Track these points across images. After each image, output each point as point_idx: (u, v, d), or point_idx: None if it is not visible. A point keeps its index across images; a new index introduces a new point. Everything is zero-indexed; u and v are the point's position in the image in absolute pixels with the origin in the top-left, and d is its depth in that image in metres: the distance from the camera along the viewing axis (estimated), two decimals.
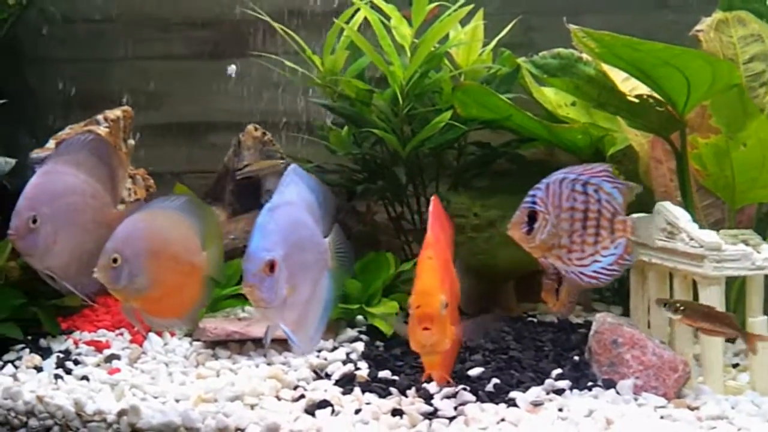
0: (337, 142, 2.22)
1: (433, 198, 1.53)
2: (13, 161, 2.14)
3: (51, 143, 2.22)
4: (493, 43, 2.21)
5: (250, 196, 2.31)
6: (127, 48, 2.78)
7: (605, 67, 1.94)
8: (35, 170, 2.12)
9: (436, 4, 2.15)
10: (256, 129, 2.31)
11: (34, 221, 1.65)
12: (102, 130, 2.21)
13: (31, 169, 2.16)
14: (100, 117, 2.25)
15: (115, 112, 2.28)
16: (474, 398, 1.63)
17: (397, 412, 1.56)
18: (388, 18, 2.17)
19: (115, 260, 1.48)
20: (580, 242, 1.49)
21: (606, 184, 1.51)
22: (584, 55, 1.94)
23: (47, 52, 2.76)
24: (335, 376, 1.75)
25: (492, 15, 2.27)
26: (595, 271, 1.48)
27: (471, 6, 2.07)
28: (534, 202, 1.53)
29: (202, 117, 2.85)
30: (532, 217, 1.52)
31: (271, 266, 1.35)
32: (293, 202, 1.47)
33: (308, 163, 2.25)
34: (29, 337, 1.93)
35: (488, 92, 1.99)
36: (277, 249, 1.37)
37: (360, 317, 2.02)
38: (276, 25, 2.24)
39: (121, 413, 1.57)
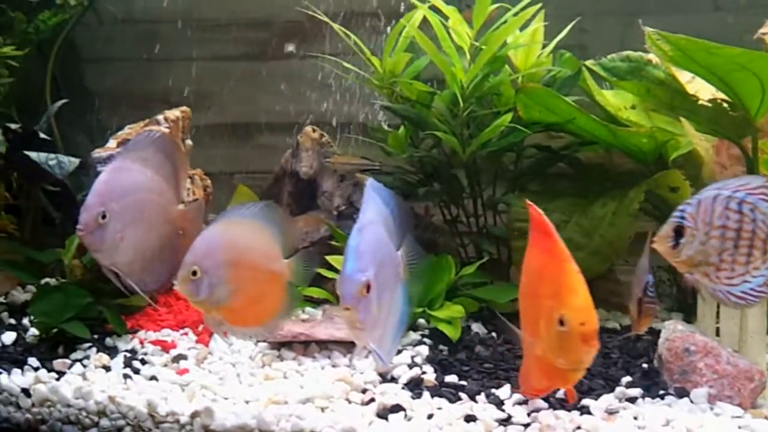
0: (396, 145, 2.18)
1: (530, 207, 1.44)
2: (77, 160, 2.13)
3: (112, 143, 2.20)
4: (552, 44, 2.17)
5: (307, 197, 2.29)
6: (179, 49, 2.76)
7: (673, 70, 1.90)
8: (97, 169, 2.14)
9: (497, 5, 2.11)
10: (314, 130, 2.28)
11: (103, 217, 1.62)
12: (162, 130, 2.21)
13: (93, 168, 2.16)
14: (160, 117, 2.23)
15: (175, 113, 2.26)
16: (546, 405, 1.59)
17: (470, 418, 1.53)
18: (446, 19, 2.15)
19: (194, 273, 1.45)
20: (730, 261, 1.42)
21: (762, 204, 1.43)
22: (653, 58, 1.90)
23: (103, 52, 2.76)
24: (402, 380, 1.71)
25: (545, 17, 2.23)
26: (743, 292, 1.43)
27: (538, 6, 2.02)
28: (683, 218, 1.46)
29: (252, 118, 2.84)
30: (679, 232, 1.45)
31: (368, 288, 1.33)
32: (375, 220, 1.44)
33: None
34: (95, 336, 1.90)
35: (552, 95, 1.95)
36: (370, 269, 1.35)
37: (422, 320, 1.98)
38: (336, 27, 2.21)
39: (194, 415, 1.55)
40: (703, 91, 1.94)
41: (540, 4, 2.04)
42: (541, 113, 2.01)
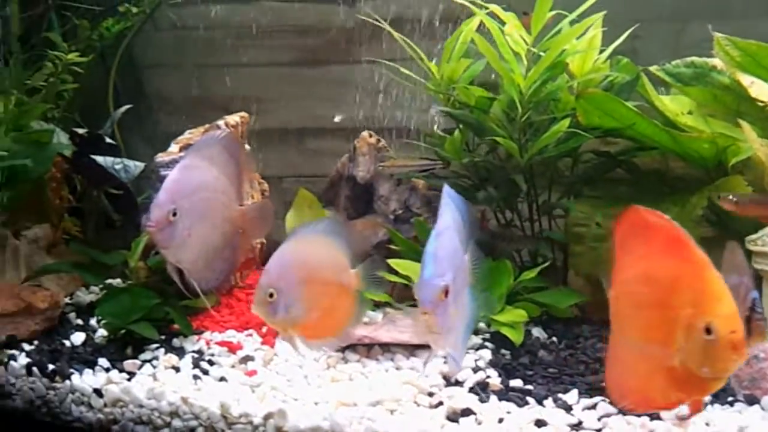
0: (452, 149, 2.17)
1: (653, 215, 1.39)
2: (142, 165, 2.15)
3: (174, 147, 2.23)
4: (609, 50, 2.14)
5: (364, 201, 2.29)
6: (233, 55, 2.78)
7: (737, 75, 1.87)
8: (159, 173, 2.16)
9: (555, 12, 2.10)
10: (370, 135, 2.28)
11: (174, 214, 1.64)
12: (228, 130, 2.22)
13: (155, 172, 2.18)
14: (220, 122, 2.25)
15: (234, 118, 2.28)
16: (615, 410, 1.57)
17: (540, 423, 1.51)
18: (503, 25, 2.14)
19: (271, 295, 1.46)
20: None
21: None
22: (717, 64, 1.87)
23: (159, 58, 2.79)
24: (468, 384, 1.70)
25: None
26: None
27: (602, 14, 2.00)
28: None
29: (301, 123, 2.86)
30: None
31: (446, 292, 1.32)
32: (451, 226, 1.44)
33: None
34: (162, 337, 1.91)
35: (613, 100, 1.93)
36: (448, 274, 1.35)
37: (481, 324, 1.97)
38: (396, 35, 2.20)
39: (268, 416, 1.55)
40: (762, 95, 1.91)
41: (602, 13, 2.02)
42: (600, 118, 1.99)
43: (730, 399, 1.62)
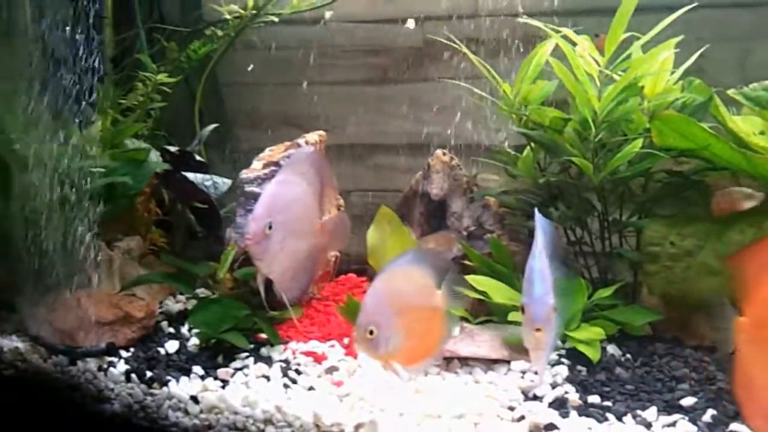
0: (524, 168, 2.21)
1: None
2: (229, 182, 2.23)
3: (257, 164, 2.30)
4: (680, 71, 2.15)
5: (437, 217, 2.33)
6: (306, 74, 2.84)
7: None
8: (244, 189, 2.24)
9: (629, 34, 2.11)
10: (444, 154, 2.32)
11: (270, 227, 1.71)
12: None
13: (240, 188, 2.26)
14: (301, 141, 2.32)
15: (314, 136, 2.35)
16: (695, 428, 1.58)
17: None
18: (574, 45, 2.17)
19: (371, 332, 1.51)
20: None
21: None
22: None
23: (238, 77, 2.86)
24: (547, 399, 1.73)
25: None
26: None
27: (676, 39, 2.02)
28: None
29: (369, 139, 2.92)
30: None
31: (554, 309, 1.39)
32: (545, 246, 1.50)
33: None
34: (251, 347, 1.98)
35: (689, 122, 1.93)
36: (551, 292, 1.41)
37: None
38: (472, 56, 2.24)
39: (359, 426, 1.60)
40: None
41: (677, 38, 2.03)
42: (675, 139, 1.99)
43: None
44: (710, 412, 1.64)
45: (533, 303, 1.42)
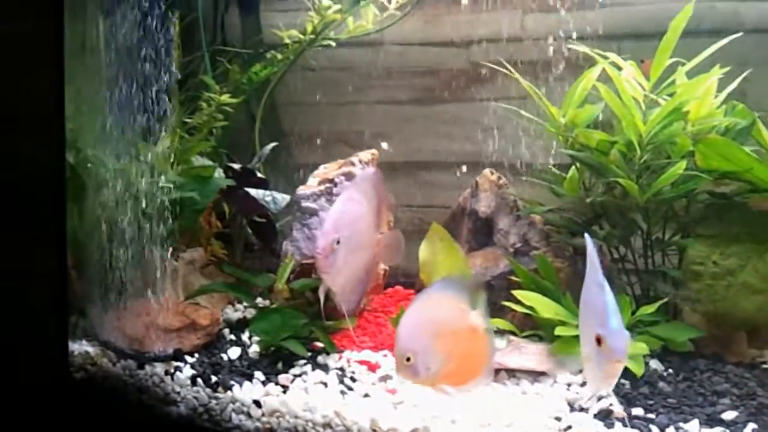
0: (570, 188, 2.29)
1: None
2: (288, 197, 2.36)
3: (313, 181, 2.42)
4: (723, 95, 2.21)
5: (484, 234, 2.42)
6: (356, 94, 2.97)
7: None
8: (301, 204, 2.36)
9: (674, 60, 2.19)
10: (492, 173, 2.42)
11: (337, 242, 1.82)
12: (357, 170, 2.40)
13: (297, 203, 2.38)
14: (354, 159, 2.44)
15: (366, 155, 2.47)
16: None
17: None
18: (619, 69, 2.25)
19: (408, 359, 1.59)
20: None
21: None
22: None
23: (294, 97, 2.99)
24: (592, 411, 1.80)
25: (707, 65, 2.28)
26: None
27: (721, 71, 2.09)
28: None
29: (416, 156, 3.02)
30: None
31: None
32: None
33: (540, 205, 2.36)
34: (309, 354, 2.09)
35: (732, 145, 2.00)
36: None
37: None
38: (519, 77, 2.34)
39: (414, 431, 1.70)
40: None
41: (723, 70, 2.11)
42: (719, 162, 2.06)
43: None
44: (751, 426, 1.70)
45: (613, 336, 1.49)
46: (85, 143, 2.30)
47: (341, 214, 1.87)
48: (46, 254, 2.22)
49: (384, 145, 2.80)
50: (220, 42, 2.88)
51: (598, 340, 1.54)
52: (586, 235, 1.64)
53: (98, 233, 2.23)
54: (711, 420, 1.76)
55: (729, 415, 1.76)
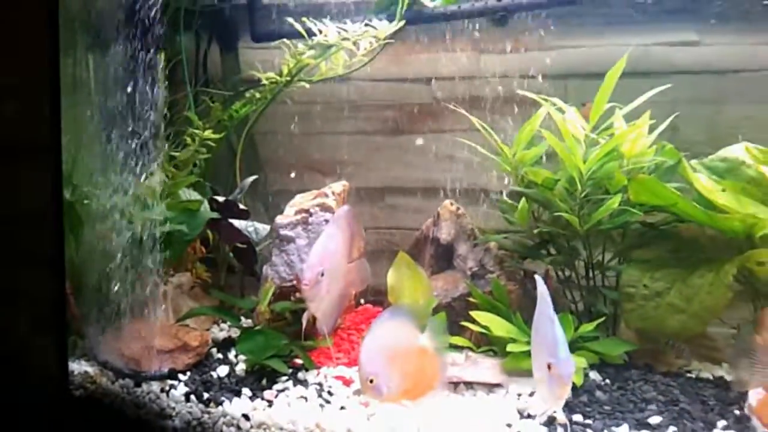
0: (521, 217, 2.57)
1: None
2: (268, 227, 2.59)
3: (290, 210, 2.66)
4: (654, 135, 2.50)
5: (445, 259, 2.68)
6: (328, 125, 3.24)
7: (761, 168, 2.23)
8: (279, 233, 2.59)
9: (611, 105, 2.48)
10: (451, 204, 2.68)
11: (322, 274, 2.06)
12: (330, 201, 2.65)
13: (275, 231, 2.61)
14: (327, 190, 2.69)
15: (338, 187, 2.71)
16: None
17: None
18: (562, 112, 2.55)
19: (371, 381, 1.84)
20: None
21: None
22: (745, 159, 2.24)
23: (269, 127, 3.23)
24: (539, 418, 2.08)
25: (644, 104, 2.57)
26: None
27: (656, 122, 2.40)
28: None
29: (382, 182, 3.30)
30: None
31: None
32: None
33: (495, 233, 2.64)
34: (290, 371, 2.33)
35: (659, 184, 2.30)
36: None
37: None
38: (473, 119, 2.62)
39: None
40: None
41: (648, 112, 2.41)
42: (648, 198, 2.36)
43: None
44: (672, 428, 1.99)
45: (561, 364, 1.78)
46: (80, 179, 2.51)
47: (324, 250, 2.11)
48: (46, 281, 2.44)
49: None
50: (203, 80, 3.10)
51: (549, 367, 1.84)
52: (537, 276, 1.92)
53: (94, 263, 2.44)
54: (639, 424, 2.04)
55: (655, 420, 2.04)
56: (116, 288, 2.37)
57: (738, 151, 2.28)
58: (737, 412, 2.09)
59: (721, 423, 2.02)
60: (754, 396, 2.04)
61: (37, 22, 2.32)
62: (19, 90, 2.33)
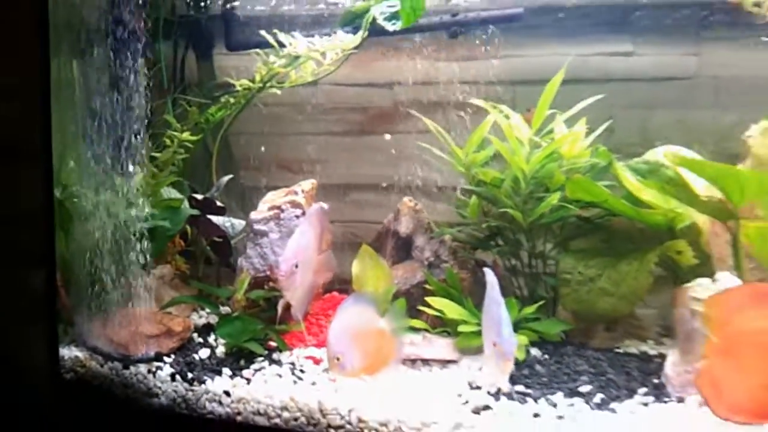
0: (472, 212, 2.86)
1: None
2: (243, 223, 2.83)
3: (263, 207, 2.90)
4: (591, 138, 2.78)
5: (404, 250, 2.96)
6: (297, 126, 3.48)
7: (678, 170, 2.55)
8: (253, 227, 2.83)
9: (552, 111, 2.78)
10: (410, 200, 2.96)
11: (296, 266, 2.32)
12: (300, 198, 2.90)
13: (250, 226, 2.85)
14: (297, 188, 2.93)
15: (307, 185, 2.96)
16: (587, 407, 2.23)
17: (536, 414, 2.16)
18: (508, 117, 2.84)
19: (338, 359, 2.16)
20: None
21: None
22: (664, 162, 2.56)
23: (243, 128, 3.45)
24: (485, 389, 2.35)
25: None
26: None
27: (594, 126, 2.70)
28: None
29: (347, 180, 3.54)
30: None
31: None
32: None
33: (450, 227, 2.93)
34: (266, 352, 2.58)
35: (592, 183, 2.59)
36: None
37: None
38: (429, 123, 2.89)
39: (351, 410, 2.21)
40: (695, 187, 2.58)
41: (584, 118, 2.71)
42: (583, 195, 2.64)
43: (666, 400, 2.27)
44: (599, 395, 2.29)
45: (505, 343, 2.07)
46: (69, 179, 2.71)
47: (298, 245, 2.37)
48: (38, 274, 2.64)
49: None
50: (180, 85, 3.31)
51: (495, 344, 2.14)
52: (486, 269, 2.21)
53: (84, 257, 2.65)
54: (572, 392, 2.32)
55: (585, 389, 2.33)
56: (104, 279, 2.60)
57: (658, 154, 2.60)
58: (656, 380, 2.41)
59: (642, 390, 2.32)
60: (669, 365, 2.37)
61: (28, 26, 2.52)
62: (12, 91, 2.53)
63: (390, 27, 2.74)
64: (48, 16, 2.51)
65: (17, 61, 2.51)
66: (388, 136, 3.40)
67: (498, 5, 3.07)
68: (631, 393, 2.31)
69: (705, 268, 2.53)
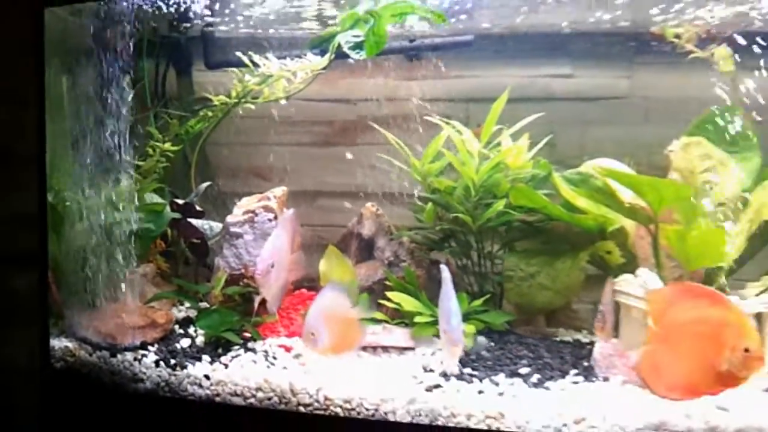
0: (428, 217, 3.17)
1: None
2: (221, 225, 3.08)
3: (238, 211, 3.16)
4: (533, 151, 3.12)
5: (367, 250, 3.24)
6: (269, 137, 3.74)
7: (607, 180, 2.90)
8: (229, 230, 3.10)
9: (499, 127, 3.10)
10: (372, 206, 3.25)
11: (272, 266, 2.58)
12: (272, 203, 3.17)
13: (226, 229, 3.12)
14: (270, 194, 3.19)
15: (278, 191, 3.23)
16: (525, 386, 2.52)
17: (480, 392, 2.45)
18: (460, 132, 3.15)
19: (312, 334, 2.45)
20: None
21: None
22: (593, 173, 2.90)
23: (219, 138, 3.71)
24: (437, 371, 2.65)
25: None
26: None
27: (537, 140, 3.03)
28: None
29: (315, 187, 3.83)
30: None
31: None
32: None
33: (408, 230, 3.23)
34: (241, 341, 2.83)
35: (533, 191, 2.91)
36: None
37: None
38: (388, 135, 3.19)
39: (318, 389, 2.48)
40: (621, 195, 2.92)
41: (527, 133, 3.04)
42: (525, 202, 2.96)
43: (594, 380, 2.59)
44: (536, 376, 2.60)
45: (454, 331, 2.37)
46: (60, 184, 2.94)
47: (273, 247, 2.64)
48: (31, 272, 2.86)
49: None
50: (162, 99, 3.55)
51: (445, 332, 2.43)
52: (442, 265, 2.51)
53: (74, 256, 2.88)
54: (513, 374, 2.61)
55: (524, 371, 2.64)
56: (94, 278, 2.84)
57: (588, 167, 2.95)
58: (586, 363, 2.74)
59: (573, 371, 2.65)
60: (598, 350, 2.70)
61: (25, 37, 2.75)
62: (7, 96, 2.75)
63: (354, 56, 3.02)
64: (43, 30, 2.75)
65: (13, 67, 2.73)
66: (349, 155, 3.71)
67: (450, 32, 3.39)
68: (564, 374, 2.63)
69: (632, 266, 2.88)
